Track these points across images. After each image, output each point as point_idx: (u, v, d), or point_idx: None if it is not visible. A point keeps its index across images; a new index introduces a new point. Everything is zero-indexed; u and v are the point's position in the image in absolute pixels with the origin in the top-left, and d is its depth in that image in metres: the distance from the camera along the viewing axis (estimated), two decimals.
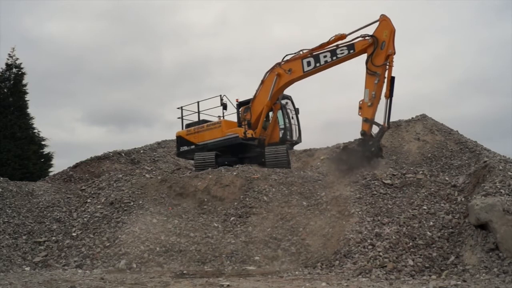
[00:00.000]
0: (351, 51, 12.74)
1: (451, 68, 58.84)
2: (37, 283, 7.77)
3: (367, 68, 12.29)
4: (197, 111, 15.74)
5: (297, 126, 15.58)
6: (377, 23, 12.37)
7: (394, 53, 12.04)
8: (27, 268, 9.66)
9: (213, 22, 75.14)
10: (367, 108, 12.03)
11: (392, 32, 12.13)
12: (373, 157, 12.19)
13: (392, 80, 11.91)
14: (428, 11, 61.97)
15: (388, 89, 11.88)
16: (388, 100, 11.92)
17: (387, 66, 12.02)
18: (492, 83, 53.39)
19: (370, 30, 12.55)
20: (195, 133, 15.19)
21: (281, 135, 14.96)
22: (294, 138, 15.34)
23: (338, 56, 12.97)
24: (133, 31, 67.21)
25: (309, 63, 13.46)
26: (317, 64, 13.32)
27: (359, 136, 12.55)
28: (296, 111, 15.57)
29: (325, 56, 13.20)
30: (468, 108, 53.83)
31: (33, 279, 8.22)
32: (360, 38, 12.60)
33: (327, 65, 13.30)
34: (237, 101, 15.24)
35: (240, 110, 15.33)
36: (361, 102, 12.24)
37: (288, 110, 15.35)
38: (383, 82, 12.04)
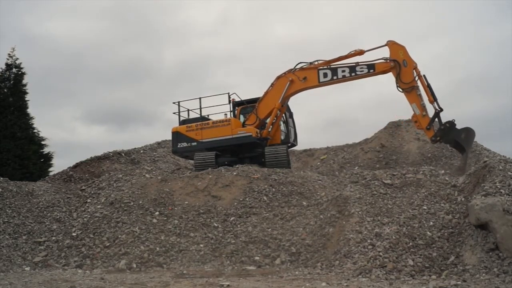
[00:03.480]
0: (371, 70, 13.28)
1: (451, 67, 58.85)
2: (37, 283, 7.77)
3: (402, 89, 12.90)
4: (192, 108, 15.66)
5: (292, 129, 15.76)
6: (387, 47, 13.08)
7: (417, 65, 12.80)
8: (27, 268, 9.65)
9: (214, 21, 75.17)
10: (422, 118, 12.69)
11: (405, 49, 12.91)
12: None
13: (429, 86, 12.58)
14: (428, 11, 62.01)
15: (429, 95, 12.56)
16: (435, 103, 12.57)
17: (417, 78, 12.69)
18: (492, 83, 53.38)
19: (383, 51, 13.23)
20: (198, 129, 14.71)
21: (283, 137, 15.22)
22: (291, 140, 15.62)
23: (358, 73, 13.43)
24: (134, 30, 67.27)
25: (325, 75, 13.78)
26: (334, 77, 13.66)
27: (360, 136, 12.78)
28: (291, 114, 15.81)
29: (343, 71, 13.56)
30: (468, 107, 53.80)
31: (33, 279, 8.22)
32: (382, 60, 13.13)
33: (343, 80, 13.66)
34: (233, 101, 15.25)
35: (236, 109, 15.41)
36: (414, 117, 12.86)
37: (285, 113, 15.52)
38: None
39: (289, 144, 15.61)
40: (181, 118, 15.58)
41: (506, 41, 50.46)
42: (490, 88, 52.56)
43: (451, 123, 12.50)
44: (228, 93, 14.86)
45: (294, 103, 16.05)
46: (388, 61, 13.03)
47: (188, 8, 75.93)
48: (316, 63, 13.96)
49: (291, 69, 14.28)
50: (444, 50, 60.03)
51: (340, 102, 64.74)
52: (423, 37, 60.41)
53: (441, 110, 12.62)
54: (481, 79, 54.01)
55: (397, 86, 12.95)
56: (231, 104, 15.08)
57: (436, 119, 12.80)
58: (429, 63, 58.38)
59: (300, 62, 14.16)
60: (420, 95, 12.68)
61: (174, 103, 15.55)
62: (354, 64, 13.46)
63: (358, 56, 13.51)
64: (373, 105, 59.73)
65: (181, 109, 15.56)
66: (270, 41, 69.33)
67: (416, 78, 12.74)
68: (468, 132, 12.40)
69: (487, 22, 60.13)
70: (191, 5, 75.42)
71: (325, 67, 13.78)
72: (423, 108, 12.64)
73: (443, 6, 62.25)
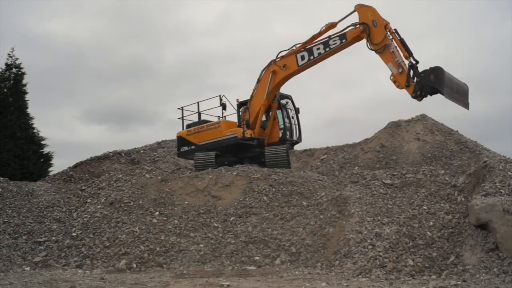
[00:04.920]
0: (343, 40, 12.64)
1: (451, 67, 58.61)
2: (37, 283, 7.77)
3: (375, 51, 12.09)
4: (197, 111, 15.83)
5: (297, 126, 15.51)
6: (356, 13, 12.37)
7: (389, 22, 11.93)
8: (27, 268, 9.65)
9: (214, 21, 74.99)
10: (400, 76, 11.68)
11: (373, 9, 12.18)
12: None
13: (402, 41, 11.64)
14: (428, 11, 61.97)
15: (404, 50, 11.62)
16: (411, 58, 11.54)
17: (390, 35, 11.78)
18: (492, 83, 53.35)
19: (355, 17, 12.44)
20: (195, 133, 15.25)
21: (280, 135, 14.84)
22: (294, 137, 15.23)
23: (331, 47, 12.85)
24: (135, 28, 67.03)
25: (303, 57, 13.35)
26: (311, 57, 13.20)
27: (361, 135, 12.53)
28: (296, 110, 15.44)
29: (318, 49, 13.07)
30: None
31: (33, 279, 8.22)
32: (352, 27, 12.50)
33: (321, 57, 13.15)
34: (237, 101, 15.21)
35: (240, 110, 15.34)
36: (392, 77, 11.86)
37: (288, 110, 15.31)
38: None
39: (294, 141, 15.26)
40: (187, 123, 16.00)
41: (506, 41, 50.41)
42: (490, 88, 52.50)
43: (426, 71, 11.24)
44: (220, 96, 14.96)
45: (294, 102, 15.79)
46: (357, 26, 12.39)
47: (188, 8, 75.85)
48: (294, 48, 13.57)
49: (273, 60, 13.99)
50: (444, 50, 59.99)
51: (340, 102, 64.70)
52: (423, 37, 60.41)
53: (417, 62, 11.46)
54: (480, 79, 53.94)
55: (370, 49, 12.12)
56: (223, 105, 15.11)
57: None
58: (429, 63, 58.20)
59: (281, 51, 13.83)
60: (393, 52, 11.70)
61: (178, 108, 16.00)
62: (327, 39, 12.93)
63: (332, 30, 12.91)
64: (373, 105, 59.69)
65: (188, 113, 15.98)
66: (271, 40, 69.11)
67: (390, 37, 11.81)
68: (436, 71, 11.08)
69: (487, 22, 60.09)
70: (191, 4, 75.34)
71: (302, 49, 13.37)
72: (398, 65, 11.57)
73: (443, 6, 62.22)
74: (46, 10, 63.80)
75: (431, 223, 8.76)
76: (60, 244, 10.66)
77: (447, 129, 16.82)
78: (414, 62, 11.48)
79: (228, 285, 7.11)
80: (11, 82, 22.07)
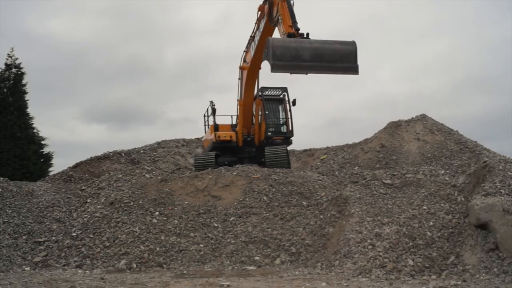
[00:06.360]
0: (264, 21, 11.99)
1: (451, 67, 58.78)
2: (37, 283, 7.77)
3: (274, 24, 10.99)
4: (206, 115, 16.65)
5: (290, 120, 15.02)
6: None
7: None
8: (27, 268, 9.65)
9: (215, 20, 74.94)
10: None
11: None
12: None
13: (290, 9, 10.24)
14: (428, 11, 61.94)
15: (288, 19, 10.09)
16: (293, 28, 9.96)
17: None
18: (492, 83, 53.35)
19: None
20: (204, 139, 16.76)
21: (264, 132, 14.60)
22: (287, 131, 14.96)
23: (261, 29, 12.28)
24: (135, 28, 67.05)
25: (253, 47, 13.12)
26: (254, 45, 12.95)
27: (361, 135, 12.47)
28: (293, 102, 14.92)
29: (256, 35, 12.78)
30: (468, 107, 53.78)
31: (33, 279, 8.22)
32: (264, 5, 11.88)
33: (260, 44, 12.30)
34: None
35: None
36: None
37: (286, 103, 15.19)
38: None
39: (286, 136, 14.92)
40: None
41: (506, 41, 50.47)
42: (490, 88, 52.54)
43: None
44: (210, 101, 15.28)
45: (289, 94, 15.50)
46: (263, 3, 11.68)
47: (189, 7, 75.79)
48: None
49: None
50: (444, 50, 59.95)
51: (341, 102, 64.73)
52: (423, 37, 60.39)
53: (297, 30, 9.79)
54: (481, 79, 53.97)
55: (273, 25, 11.15)
56: (213, 110, 15.31)
57: None
58: (429, 63, 58.32)
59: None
60: (280, 23, 10.48)
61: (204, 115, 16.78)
62: (257, 23, 12.50)
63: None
64: (373, 105, 59.74)
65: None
66: None
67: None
68: (266, 43, 9.66)
69: (487, 22, 60.03)
70: (191, 4, 75.35)
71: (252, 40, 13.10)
72: (284, 37, 10.06)
73: (443, 6, 62.19)
74: (46, 10, 63.81)
75: (431, 223, 8.76)
76: (60, 244, 10.65)
77: (447, 129, 16.83)
78: (293, 31, 9.84)
79: (228, 285, 7.11)
80: (11, 82, 22.05)
